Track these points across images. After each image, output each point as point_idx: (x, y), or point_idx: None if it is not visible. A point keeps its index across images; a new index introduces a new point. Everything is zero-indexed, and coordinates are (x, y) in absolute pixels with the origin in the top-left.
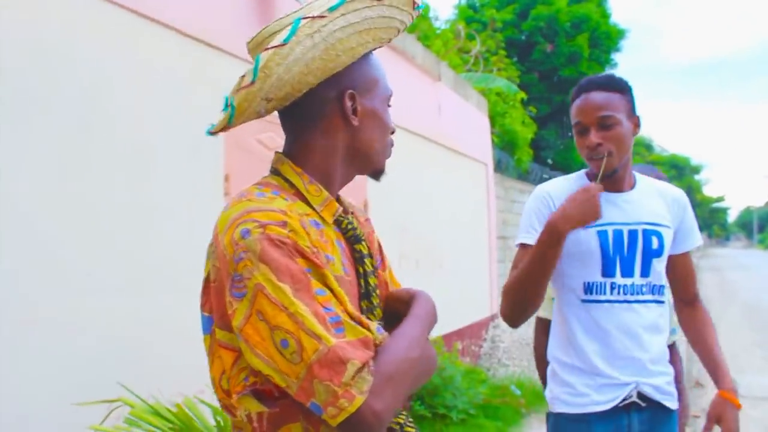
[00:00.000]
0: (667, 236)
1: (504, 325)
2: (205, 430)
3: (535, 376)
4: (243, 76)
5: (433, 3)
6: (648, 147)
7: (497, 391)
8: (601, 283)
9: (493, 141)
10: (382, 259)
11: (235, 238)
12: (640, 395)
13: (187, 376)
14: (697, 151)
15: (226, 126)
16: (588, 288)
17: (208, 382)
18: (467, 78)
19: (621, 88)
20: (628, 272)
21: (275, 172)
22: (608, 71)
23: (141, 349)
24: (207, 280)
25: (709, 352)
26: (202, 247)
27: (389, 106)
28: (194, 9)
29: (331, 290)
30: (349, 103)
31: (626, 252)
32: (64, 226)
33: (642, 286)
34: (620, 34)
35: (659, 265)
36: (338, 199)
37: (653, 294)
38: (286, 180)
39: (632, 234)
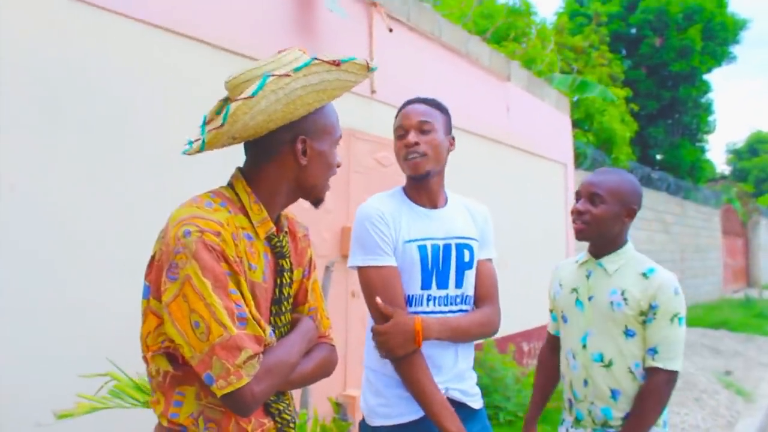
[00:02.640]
0: (476, 249)
1: None
2: None
3: None
4: (218, 114)
5: None
6: None
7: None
8: (419, 295)
9: (588, 139)
10: (310, 271)
11: (179, 234)
12: (450, 400)
13: None
14: None
15: (198, 152)
16: (409, 300)
17: None
18: (559, 84)
19: (442, 108)
20: (443, 284)
21: (230, 185)
22: (726, 66)
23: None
24: (153, 258)
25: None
26: None
27: (338, 145)
28: (228, 23)
29: (241, 293)
30: (300, 146)
31: (441, 265)
32: (88, 224)
33: (456, 296)
34: (740, 24)
35: (471, 277)
36: (279, 218)
37: (466, 304)
38: (237, 195)
39: (446, 248)
